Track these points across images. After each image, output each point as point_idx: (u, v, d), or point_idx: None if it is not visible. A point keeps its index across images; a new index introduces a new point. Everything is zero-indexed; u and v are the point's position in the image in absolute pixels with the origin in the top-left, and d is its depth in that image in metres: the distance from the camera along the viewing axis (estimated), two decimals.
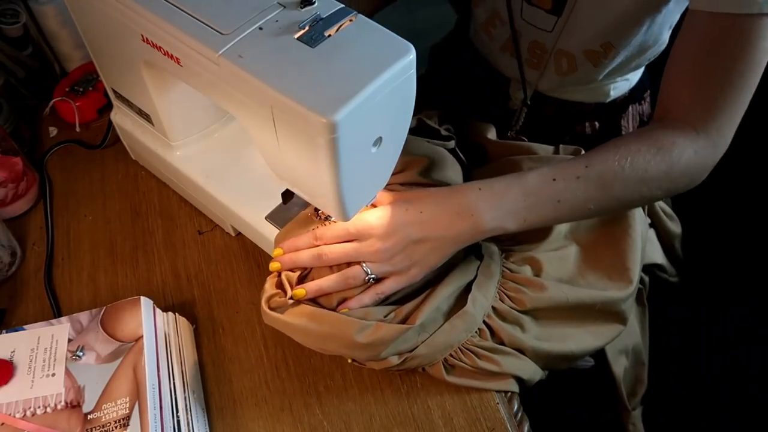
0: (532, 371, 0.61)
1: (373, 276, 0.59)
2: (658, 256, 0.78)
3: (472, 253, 0.65)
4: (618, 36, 0.71)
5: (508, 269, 0.64)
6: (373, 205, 0.62)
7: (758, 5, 0.53)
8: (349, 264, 0.60)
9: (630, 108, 0.85)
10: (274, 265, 0.61)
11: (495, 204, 0.58)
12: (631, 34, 0.71)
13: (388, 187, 0.63)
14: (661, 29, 0.72)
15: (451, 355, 0.60)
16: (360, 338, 0.56)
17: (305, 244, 0.61)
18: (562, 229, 0.67)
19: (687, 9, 0.60)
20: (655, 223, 0.78)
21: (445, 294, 0.60)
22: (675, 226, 0.80)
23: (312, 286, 0.59)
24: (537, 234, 0.66)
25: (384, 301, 0.61)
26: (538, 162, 0.72)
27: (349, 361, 0.63)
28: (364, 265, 0.59)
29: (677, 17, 0.71)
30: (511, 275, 0.64)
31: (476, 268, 0.63)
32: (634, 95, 0.84)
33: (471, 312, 0.60)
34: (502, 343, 0.61)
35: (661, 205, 0.78)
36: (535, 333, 0.62)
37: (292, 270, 0.61)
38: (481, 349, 0.60)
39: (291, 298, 0.59)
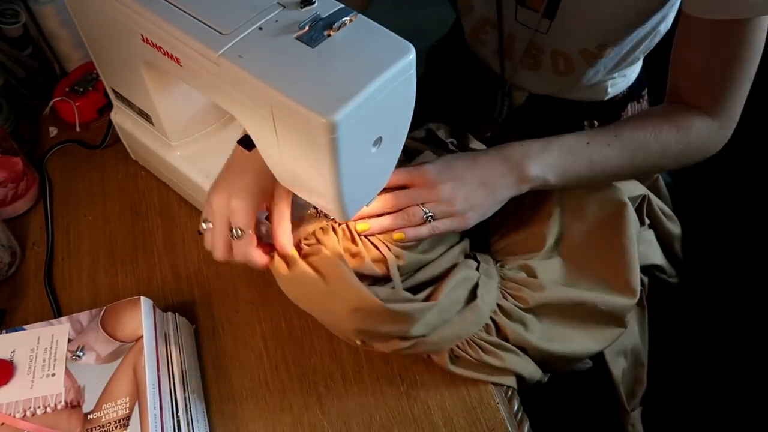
0: (532, 370, 0.63)
1: (431, 215, 0.61)
2: (657, 257, 0.78)
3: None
4: (613, 36, 0.72)
5: (504, 274, 0.66)
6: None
7: (751, 8, 0.57)
8: None
9: (629, 106, 0.85)
10: (362, 227, 0.61)
11: (538, 157, 0.63)
12: (625, 34, 0.72)
13: None
14: (656, 23, 0.72)
15: (457, 346, 0.61)
16: (392, 306, 0.57)
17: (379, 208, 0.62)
18: (551, 242, 0.68)
19: (681, 8, 0.62)
20: (655, 224, 0.78)
21: (453, 282, 0.62)
22: (674, 227, 0.80)
23: (374, 222, 0.61)
24: (529, 245, 0.69)
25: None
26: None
27: (358, 342, 0.62)
28: (423, 206, 0.61)
29: (669, 10, 0.72)
30: (509, 277, 0.65)
31: (476, 268, 0.64)
32: (632, 93, 0.85)
33: (480, 306, 0.61)
34: (507, 340, 0.62)
35: (660, 206, 0.78)
36: (539, 332, 0.63)
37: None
38: (487, 343, 0.61)
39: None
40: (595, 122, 0.85)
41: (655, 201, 0.77)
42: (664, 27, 0.75)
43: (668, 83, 0.69)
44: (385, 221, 0.61)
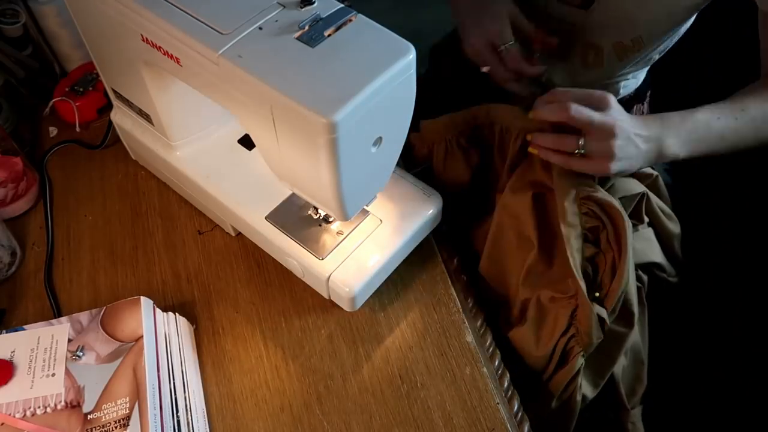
0: None
1: (582, 150, 0.63)
2: (656, 255, 0.78)
3: None
4: (654, 29, 0.73)
5: None
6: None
7: None
8: None
9: (634, 108, 0.86)
10: (536, 113, 0.66)
11: (675, 133, 0.65)
12: (666, 27, 0.73)
13: None
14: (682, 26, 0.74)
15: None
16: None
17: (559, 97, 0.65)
18: None
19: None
20: (654, 223, 0.78)
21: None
22: (674, 226, 0.80)
23: (538, 136, 0.66)
24: None
25: None
26: None
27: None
28: (580, 140, 0.63)
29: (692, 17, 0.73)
30: None
31: None
32: (638, 95, 0.85)
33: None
34: None
35: (660, 205, 0.78)
36: None
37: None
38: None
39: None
40: None
41: (655, 200, 0.77)
42: (684, 28, 0.75)
43: (763, 65, 0.73)
44: (543, 139, 0.65)
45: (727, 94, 0.71)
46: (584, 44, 0.78)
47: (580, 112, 0.62)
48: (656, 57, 0.81)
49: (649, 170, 0.76)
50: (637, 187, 0.74)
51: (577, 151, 0.64)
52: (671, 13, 0.71)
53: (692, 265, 0.84)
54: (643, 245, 0.75)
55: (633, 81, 0.83)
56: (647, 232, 0.77)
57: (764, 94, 0.70)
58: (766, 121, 0.68)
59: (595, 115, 0.63)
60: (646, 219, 0.76)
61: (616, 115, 0.63)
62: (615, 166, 0.64)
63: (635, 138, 0.64)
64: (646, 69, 0.84)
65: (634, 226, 0.75)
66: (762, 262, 0.97)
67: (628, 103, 0.85)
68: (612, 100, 0.64)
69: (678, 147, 0.65)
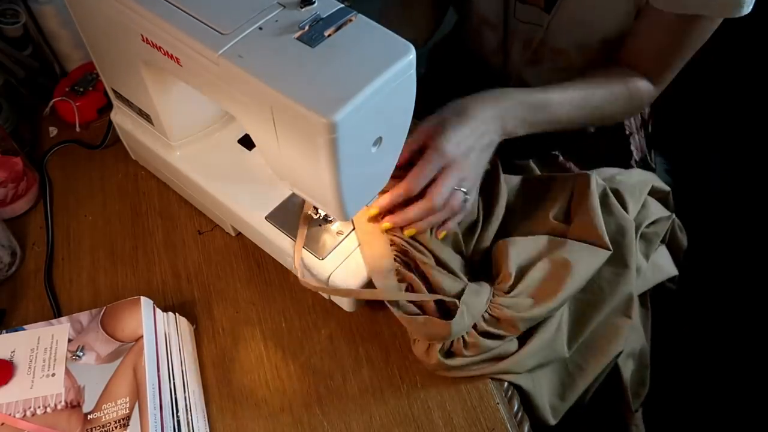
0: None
1: (468, 196, 0.62)
2: (673, 268, 0.79)
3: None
4: (611, 32, 0.73)
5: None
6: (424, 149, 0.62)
7: (714, 8, 0.64)
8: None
9: None
10: (386, 225, 0.62)
11: (515, 113, 0.66)
12: (623, 31, 0.73)
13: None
14: None
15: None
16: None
17: (396, 198, 0.61)
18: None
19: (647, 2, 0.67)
20: (671, 238, 0.80)
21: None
22: (683, 238, 0.82)
23: (421, 224, 0.61)
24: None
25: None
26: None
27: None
28: (459, 189, 0.61)
29: None
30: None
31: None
32: None
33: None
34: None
35: (676, 221, 0.79)
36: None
37: (401, 228, 0.62)
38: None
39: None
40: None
41: (676, 220, 0.78)
42: None
43: (623, 50, 0.75)
44: (432, 219, 0.61)
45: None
46: (553, 47, 0.78)
47: (418, 177, 0.60)
48: None
49: (662, 186, 0.76)
50: (664, 211, 0.75)
51: (464, 199, 0.62)
52: (628, 12, 0.71)
53: (693, 271, 0.85)
54: (664, 262, 0.78)
55: None
56: (662, 249, 0.78)
57: (601, 81, 0.73)
58: (599, 108, 0.72)
59: (434, 161, 0.60)
60: (664, 237, 0.77)
61: (447, 147, 0.60)
62: (479, 179, 0.64)
63: (475, 145, 0.62)
64: None
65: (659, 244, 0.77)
66: (762, 267, 0.97)
67: None
68: (439, 136, 0.60)
69: (516, 127, 0.66)
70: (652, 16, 0.69)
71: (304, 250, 0.64)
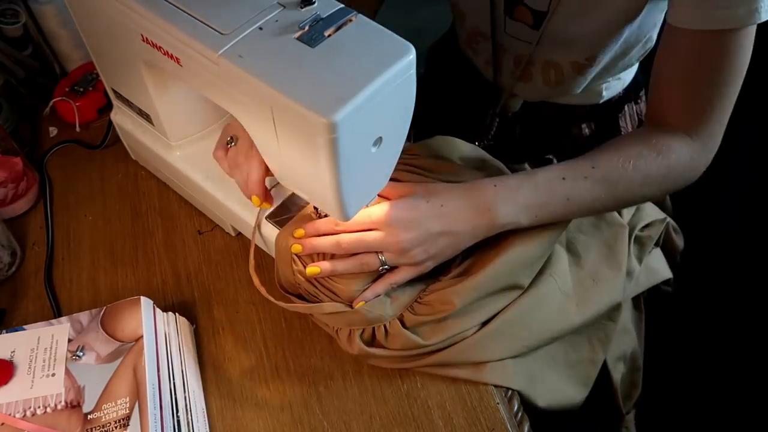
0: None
1: (386, 266, 0.59)
2: (668, 271, 0.79)
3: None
4: (599, 45, 0.72)
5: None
6: (385, 198, 0.62)
7: (737, 19, 0.54)
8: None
9: (626, 107, 0.85)
10: (296, 248, 0.61)
11: (510, 200, 0.59)
12: (611, 43, 0.71)
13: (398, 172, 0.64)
14: (644, 29, 0.72)
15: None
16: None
17: (326, 229, 0.61)
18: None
19: (666, 20, 0.60)
20: (665, 240, 0.79)
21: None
22: (679, 241, 0.81)
23: (326, 266, 0.59)
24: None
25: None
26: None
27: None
28: (379, 254, 0.59)
29: (660, 16, 0.72)
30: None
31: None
32: (629, 95, 0.85)
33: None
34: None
35: (672, 223, 0.79)
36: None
37: (310, 255, 0.61)
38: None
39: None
40: (592, 125, 0.85)
41: (671, 222, 0.78)
42: (657, 32, 0.75)
43: (648, 104, 0.67)
44: (338, 266, 0.59)
45: None
46: (543, 63, 0.77)
47: (350, 238, 0.58)
48: (635, 61, 0.80)
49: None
50: (659, 213, 0.75)
51: (381, 268, 0.59)
52: (610, 29, 0.69)
53: (687, 273, 0.85)
54: (658, 265, 0.77)
55: (618, 83, 0.82)
56: (656, 251, 0.78)
57: (623, 147, 0.61)
58: (622, 178, 0.60)
59: (372, 217, 0.58)
60: (658, 239, 0.77)
61: (398, 209, 0.58)
62: (430, 264, 0.60)
63: (435, 225, 0.58)
64: (633, 69, 0.83)
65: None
66: (757, 268, 0.97)
67: (617, 104, 0.84)
68: (392, 212, 0.58)
69: (514, 215, 0.59)
70: (670, 42, 0.60)
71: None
